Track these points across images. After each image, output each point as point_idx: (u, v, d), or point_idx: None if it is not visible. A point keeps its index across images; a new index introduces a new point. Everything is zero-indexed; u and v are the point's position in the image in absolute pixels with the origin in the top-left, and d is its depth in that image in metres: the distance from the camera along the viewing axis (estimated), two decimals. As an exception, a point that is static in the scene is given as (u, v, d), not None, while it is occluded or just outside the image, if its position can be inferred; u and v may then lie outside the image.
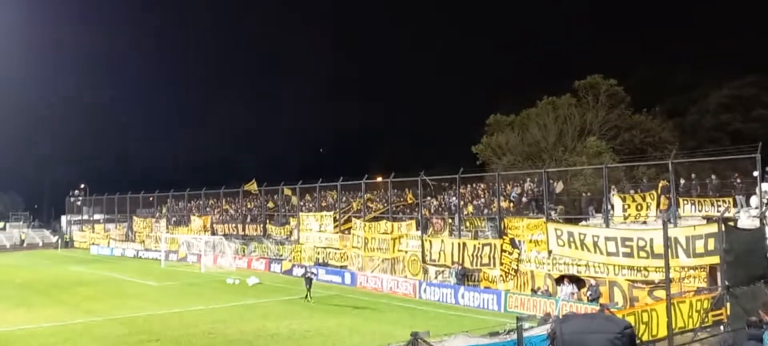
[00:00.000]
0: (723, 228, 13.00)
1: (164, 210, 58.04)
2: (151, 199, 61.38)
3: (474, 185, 36.44)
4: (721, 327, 12.71)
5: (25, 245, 65.39)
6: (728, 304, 12.65)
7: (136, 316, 23.34)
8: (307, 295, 26.33)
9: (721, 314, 12.82)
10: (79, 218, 71.06)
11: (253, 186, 46.22)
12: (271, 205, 45.34)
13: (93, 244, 61.04)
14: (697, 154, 28.36)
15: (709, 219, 19.84)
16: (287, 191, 43.84)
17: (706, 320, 12.77)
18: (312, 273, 28.54)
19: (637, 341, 11.23)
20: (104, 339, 19.11)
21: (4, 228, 70.64)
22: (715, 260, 16.64)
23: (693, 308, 12.79)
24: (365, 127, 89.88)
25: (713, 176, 23.96)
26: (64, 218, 72.92)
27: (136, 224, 57.75)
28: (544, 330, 10.04)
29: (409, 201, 37.07)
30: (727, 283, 12.72)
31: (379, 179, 41.08)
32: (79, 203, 74.82)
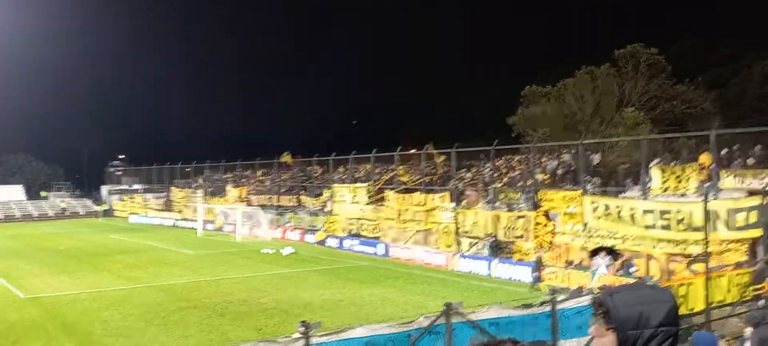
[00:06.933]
0: (765, 201, 12.64)
1: (201, 181, 59.08)
2: (187, 170, 62.53)
3: (508, 158, 36.12)
4: (761, 301, 12.43)
5: (67, 213, 67.29)
6: (770, 278, 12.37)
7: (175, 283, 23.92)
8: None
9: (762, 288, 12.55)
10: (119, 188, 72.81)
11: (288, 158, 47.11)
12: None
13: (132, 213, 62.54)
14: (740, 126, 27.53)
15: (751, 192, 19.33)
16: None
17: (746, 294, 12.51)
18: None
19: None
20: (145, 305, 19.65)
21: (47, 198, 72.75)
22: (757, 233, 16.26)
23: (732, 282, 12.54)
24: (398, 99, 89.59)
25: (758, 146, 23.23)
26: (103, 188, 74.79)
27: (174, 194, 58.94)
28: (576, 303, 9.94)
29: (438, 161, 36.75)
30: (768, 257, 12.42)
31: (413, 150, 40.99)
32: (118, 173, 76.70)
